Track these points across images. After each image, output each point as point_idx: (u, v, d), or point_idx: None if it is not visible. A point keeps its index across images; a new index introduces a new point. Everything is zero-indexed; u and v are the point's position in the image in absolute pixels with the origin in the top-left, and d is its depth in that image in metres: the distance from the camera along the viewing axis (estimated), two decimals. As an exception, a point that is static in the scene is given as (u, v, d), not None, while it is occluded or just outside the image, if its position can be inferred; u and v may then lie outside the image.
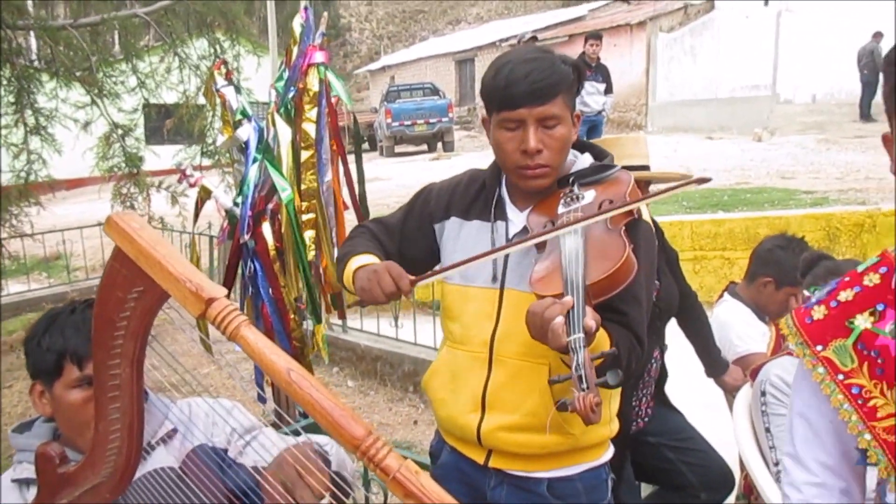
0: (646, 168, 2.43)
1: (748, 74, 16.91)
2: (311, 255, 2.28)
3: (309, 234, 2.30)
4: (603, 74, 9.13)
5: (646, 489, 2.67)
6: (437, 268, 1.58)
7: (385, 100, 19.81)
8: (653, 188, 2.59)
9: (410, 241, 1.74)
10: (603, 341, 1.41)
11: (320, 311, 2.45)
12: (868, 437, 1.04)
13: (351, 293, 1.65)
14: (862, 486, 1.19)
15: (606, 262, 1.34)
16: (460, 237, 1.67)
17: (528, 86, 1.49)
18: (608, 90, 9.19)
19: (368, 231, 1.76)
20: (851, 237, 6.45)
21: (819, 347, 1.11)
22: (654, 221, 2.54)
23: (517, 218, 1.63)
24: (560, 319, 1.25)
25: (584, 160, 1.66)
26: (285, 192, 2.23)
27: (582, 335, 1.22)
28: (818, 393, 1.12)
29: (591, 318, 1.26)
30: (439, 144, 18.98)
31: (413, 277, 1.50)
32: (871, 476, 1.15)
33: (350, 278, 1.58)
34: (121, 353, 1.11)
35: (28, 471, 1.33)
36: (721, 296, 2.88)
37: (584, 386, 1.19)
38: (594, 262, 1.35)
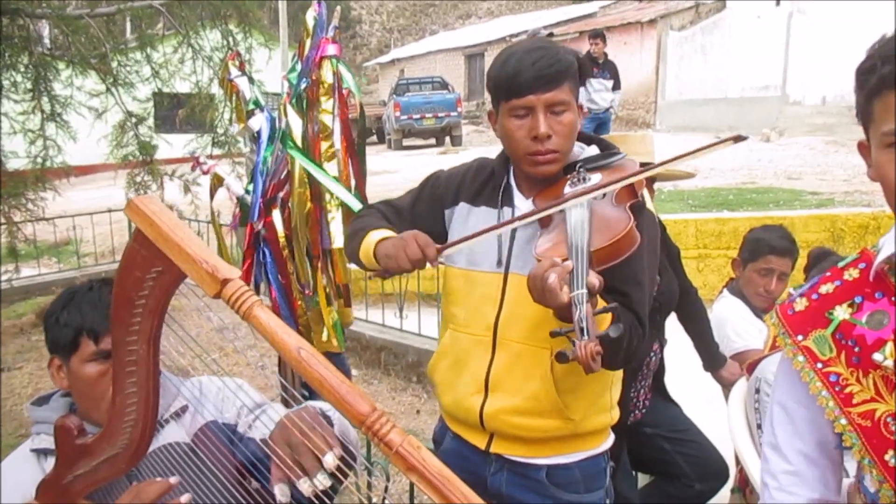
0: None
1: (758, 74, 16.88)
2: (336, 242, 2.32)
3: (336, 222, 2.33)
4: (611, 71, 9.12)
5: (642, 479, 2.72)
6: (460, 237, 1.59)
7: (394, 93, 19.82)
8: (655, 185, 2.63)
9: (420, 223, 1.75)
10: (605, 317, 1.43)
11: (332, 298, 2.49)
12: (844, 421, 1.09)
13: (364, 268, 1.67)
14: (839, 476, 1.23)
15: (610, 232, 1.39)
16: (468, 222, 1.71)
17: (535, 72, 1.54)
18: (616, 86, 9.18)
19: (378, 211, 1.80)
20: (856, 238, 6.46)
21: (800, 337, 1.16)
22: (657, 218, 2.58)
23: (523, 204, 1.66)
24: (554, 277, 1.28)
25: (590, 152, 1.70)
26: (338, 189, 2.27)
27: (585, 291, 1.26)
28: (798, 381, 1.17)
29: (594, 277, 1.30)
30: (447, 139, 18.99)
31: (439, 246, 1.53)
32: (852, 464, 1.19)
33: (371, 249, 1.60)
34: (138, 331, 1.16)
35: (46, 441, 1.39)
36: (721, 292, 2.93)
37: (586, 337, 1.21)
38: (599, 231, 1.40)
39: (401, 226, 1.73)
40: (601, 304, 1.40)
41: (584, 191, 1.49)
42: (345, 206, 2.37)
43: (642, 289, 1.58)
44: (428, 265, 1.54)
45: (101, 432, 1.23)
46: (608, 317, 1.43)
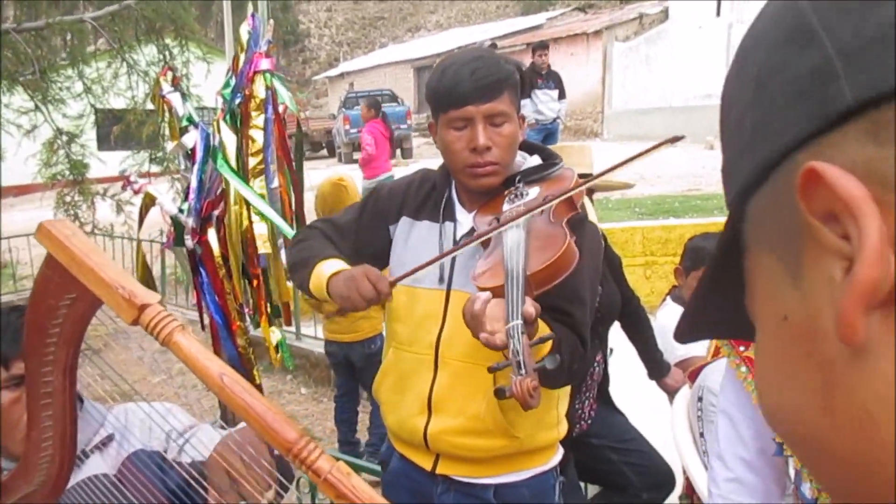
0: (589, 176, 2.48)
1: (701, 83, 17.26)
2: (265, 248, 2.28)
3: (260, 234, 2.29)
4: (555, 81, 9.20)
5: (590, 491, 2.72)
6: (409, 269, 1.54)
7: (343, 106, 19.73)
8: (597, 195, 2.65)
9: (364, 241, 1.73)
10: (543, 345, 1.43)
11: (271, 317, 2.45)
12: None
13: (313, 298, 1.63)
14: (782, 483, 1.25)
15: (547, 252, 1.37)
16: (410, 237, 1.69)
17: (474, 83, 1.51)
18: (561, 96, 9.27)
19: (321, 232, 1.73)
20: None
21: (742, 348, 1.17)
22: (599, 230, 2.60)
23: (465, 219, 1.65)
24: (487, 331, 1.27)
25: (532, 162, 1.68)
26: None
27: (520, 322, 1.24)
28: (741, 391, 1.18)
29: (530, 305, 1.28)
30: (398, 151, 18.96)
31: (391, 279, 1.50)
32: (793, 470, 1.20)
33: (324, 285, 1.54)
34: (53, 361, 1.11)
35: (-40, 480, 1.32)
36: (664, 300, 2.95)
37: (523, 371, 1.20)
38: (535, 253, 1.38)
39: (345, 246, 1.69)
40: (542, 327, 1.39)
41: (519, 213, 1.46)
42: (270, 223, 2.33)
43: (584, 307, 1.56)
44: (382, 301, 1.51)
45: (16, 469, 1.17)
46: (548, 342, 1.42)
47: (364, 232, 1.74)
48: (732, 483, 1.22)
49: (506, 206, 1.55)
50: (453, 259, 1.61)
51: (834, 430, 0.30)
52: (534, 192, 1.56)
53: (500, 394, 1.23)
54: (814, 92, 0.30)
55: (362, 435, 4.13)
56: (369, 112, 8.66)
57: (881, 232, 0.27)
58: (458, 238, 1.63)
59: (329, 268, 1.56)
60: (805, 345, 0.31)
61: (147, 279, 2.57)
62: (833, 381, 0.30)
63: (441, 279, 1.61)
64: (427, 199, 1.71)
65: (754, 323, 0.36)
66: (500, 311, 1.29)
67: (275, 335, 2.42)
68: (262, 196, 2.33)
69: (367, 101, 8.92)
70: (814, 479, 1.08)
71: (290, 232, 2.28)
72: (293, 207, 2.43)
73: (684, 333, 0.45)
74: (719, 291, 0.40)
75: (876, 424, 0.28)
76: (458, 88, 1.53)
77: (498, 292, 1.34)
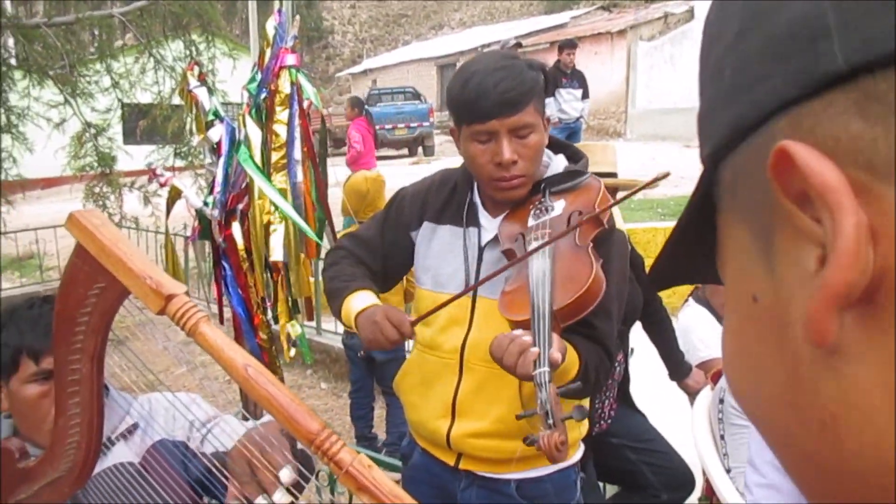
0: (613, 175, 2.47)
1: (726, 84, 17.09)
2: (275, 255, 2.30)
3: (277, 235, 2.32)
4: (579, 80, 9.20)
5: (609, 490, 2.71)
6: (433, 308, 1.57)
7: (366, 103, 19.80)
8: (619, 194, 2.64)
9: (392, 254, 1.74)
10: (572, 360, 1.43)
11: (292, 311, 2.47)
12: None
13: (348, 327, 1.67)
14: None
15: (574, 286, 1.35)
16: (433, 242, 1.68)
17: (498, 96, 1.47)
18: (585, 95, 9.25)
19: (350, 254, 1.75)
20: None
21: None
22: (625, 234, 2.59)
23: (489, 224, 1.63)
24: (523, 362, 1.28)
25: (558, 162, 1.66)
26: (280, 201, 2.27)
27: (547, 369, 1.24)
28: None
29: (556, 351, 1.28)
30: (420, 149, 18.99)
31: (413, 319, 1.53)
32: None
33: (352, 324, 1.59)
34: (81, 349, 1.13)
35: (-13, 465, 1.34)
36: (686, 301, 2.93)
37: (551, 422, 1.21)
38: (561, 286, 1.36)
39: (373, 261, 1.73)
40: (571, 354, 1.40)
41: (545, 235, 1.45)
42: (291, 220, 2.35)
43: (610, 319, 1.55)
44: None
45: (43, 455, 1.19)
46: (575, 364, 1.42)
47: (389, 243, 1.75)
48: (766, 489, 1.19)
49: (531, 222, 1.53)
50: (479, 265, 1.61)
51: (797, 425, 0.28)
52: (559, 205, 1.54)
53: (530, 444, 1.24)
54: (800, 48, 0.25)
55: (379, 431, 4.14)
56: (353, 111, 8.85)
57: (858, 226, 0.23)
58: (482, 244, 1.63)
59: (356, 305, 1.59)
60: (773, 332, 0.28)
61: (177, 272, 2.61)
62: (799, 377, 0.27)
63: (467, 285, 1.60)
64: (449, 201, 1.70)
65: (724, 287, 0.34)
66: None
67: (295, 329, 2.43)
68: (282, 191, 2.35)
69: (350, 101, 9.25)
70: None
71: (310, 231, 2.29)
72: (315, 203, 2.44)
73: (656, 279, 0.42)
74: (692, 240, 0.37)
75: (840, 431, 0.26)
76: (482, 102, 1.49)
77: (525, 325, 1.35)
